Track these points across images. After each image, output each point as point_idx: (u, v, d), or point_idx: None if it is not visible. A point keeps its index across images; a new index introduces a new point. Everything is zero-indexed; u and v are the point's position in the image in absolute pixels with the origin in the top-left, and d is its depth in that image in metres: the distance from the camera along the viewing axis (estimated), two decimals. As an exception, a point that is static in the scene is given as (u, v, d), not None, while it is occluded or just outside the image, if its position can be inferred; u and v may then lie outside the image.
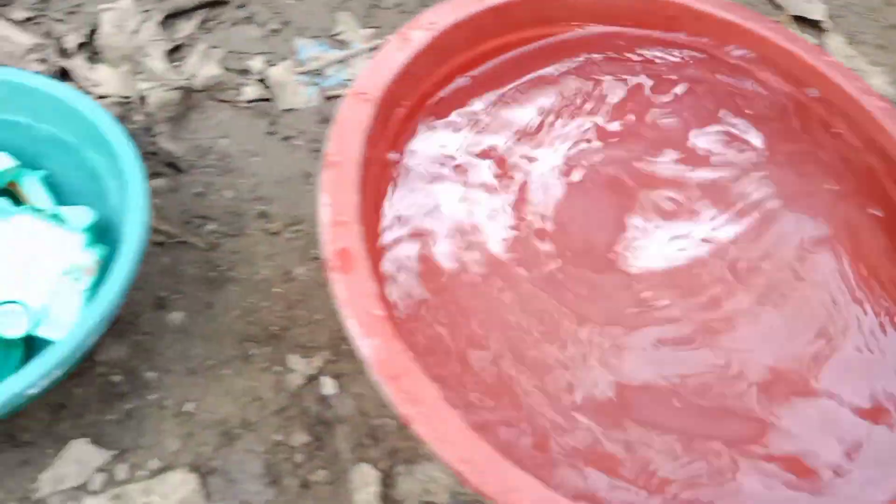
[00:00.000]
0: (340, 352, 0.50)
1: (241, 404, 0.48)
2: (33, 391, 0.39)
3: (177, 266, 0.54)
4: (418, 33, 0.49)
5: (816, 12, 0.78)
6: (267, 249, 0.55)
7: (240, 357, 0.50)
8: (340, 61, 0.66)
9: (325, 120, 0.62)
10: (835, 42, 0.77)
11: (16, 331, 0.44)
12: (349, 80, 0.64)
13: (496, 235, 0.46)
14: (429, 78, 0.50)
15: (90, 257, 0.47)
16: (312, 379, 0.49)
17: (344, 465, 0.46)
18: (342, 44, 0.68)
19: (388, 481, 0.46)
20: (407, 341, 0.40)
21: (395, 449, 0.47)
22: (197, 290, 0.53)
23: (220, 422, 0.47)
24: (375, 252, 0.44)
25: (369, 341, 0.36)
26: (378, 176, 0.46)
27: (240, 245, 0.55)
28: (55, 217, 0.49)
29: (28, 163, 0.53)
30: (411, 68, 0.48)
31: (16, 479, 0.44)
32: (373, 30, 0.69)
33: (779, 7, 0.79)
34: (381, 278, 0.42)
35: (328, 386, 0.49)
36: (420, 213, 0.46)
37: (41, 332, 0.45)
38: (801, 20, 0.78)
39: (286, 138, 0.61)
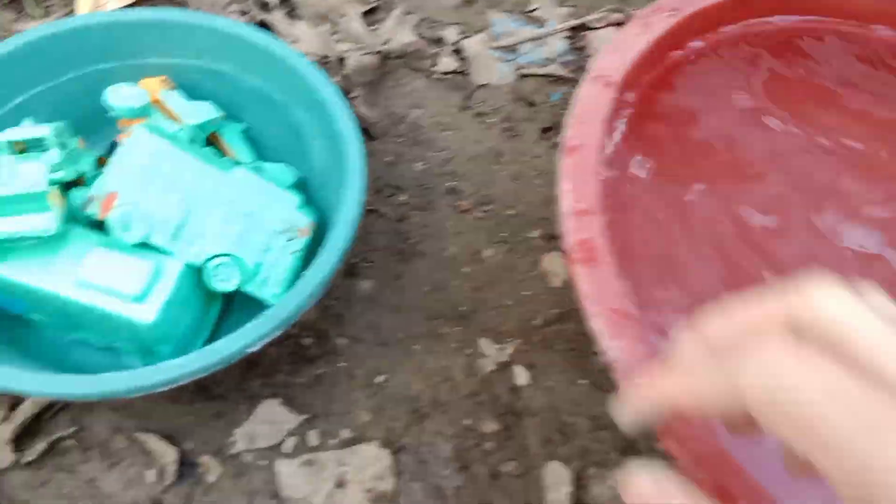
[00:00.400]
0: (532, 341, 0.48)
1: (433, 383, 0.47)
2: (253, 349, 0.39)
3: (367, 234, 0.53)
4: (660, 17, 0.46)
5: None
6: (455, 226, 0.54)
7: (430, 334, 0.49)
8: (535, 39, 0.64)
9: (520, 98, 0.60)
10: None
11: (228, 284, 0.44)
12: (547, 59, 0.62)
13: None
14: (661, 64, 0.48)
15: (306, 218, 0.46)
16: (504, 366, 0.47)
17: (533, 459, 0.44)
18: (537, 21, 0.65)
19: (580, 482, 0.44)
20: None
21: (586, 449, 0.45)
22: (387, 260, 0.52)
23: (411, 398, 0.46)
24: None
25: (615, 343, 0.34)
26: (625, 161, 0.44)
27: (429, 219, 0.54)
28: (266, 173, 0.49)
29: (231, 115, 0.53)
30: (650, 54, 0.45)
31: (210, 430, 0.45)
32: (569, 8, 0.66)
33: None
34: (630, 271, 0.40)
35: (521, 376, 0.47)
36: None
37: (250, 289, 0.44)
38: None
39: (479, 114, 0.59)
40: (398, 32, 0.62)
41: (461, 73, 0.61)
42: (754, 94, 0.49)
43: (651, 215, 0.44)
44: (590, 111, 0.42)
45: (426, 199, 0.55)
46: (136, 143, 0.44)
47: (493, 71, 0.61)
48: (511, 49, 0.63)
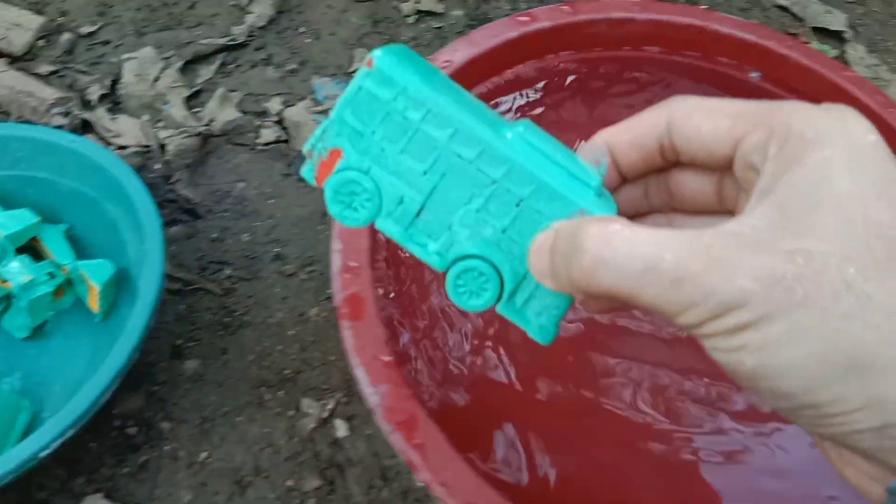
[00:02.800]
0: (352, 392, 0.49)
1: (255, 451, 0.47)
2: (46, 453, 0.39)
3: (192, 313, 0.53)
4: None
5: (837, 23, 0.76)
6: (282, 292, 0.55)
7: (253, 403, 0.49)
8: (357, 100, 0.66)
9: (342, 159, 0.62)
10: (857, 52, 0.75)
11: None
12: (365, 118, 0.64)
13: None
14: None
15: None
16: (325, 422, 0.48)
17: (359, 513, 0.45)
18: (359, 83, 0.68)
19: (404, 529, 0.44)
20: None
21: (407, 489, 0.46)
22: (212, 336, 0.52)
23: (234, 470, 0.46)
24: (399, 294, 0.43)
25: (376, 389, 0.35)
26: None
27: (255, 288, 0.55)
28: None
29: (50, 217, 0.54)
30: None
31: (30, 534, 0.44)
32: (389, 68, 0.68)
33: (799, 19, 0.77)
34: (394, 323, 0.41)
35: (341, 428, 0.48)
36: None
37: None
38: (822, 31, 0.76)
39: (302, 179, 0.61)
40: (221, 111, 0.64)
41: (283, 141, 0.63)
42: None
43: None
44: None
45: (252, 269, 0.56)
46: None
47: (315, 136, 0.63)
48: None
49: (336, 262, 0.39)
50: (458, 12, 0.74)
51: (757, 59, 0.53)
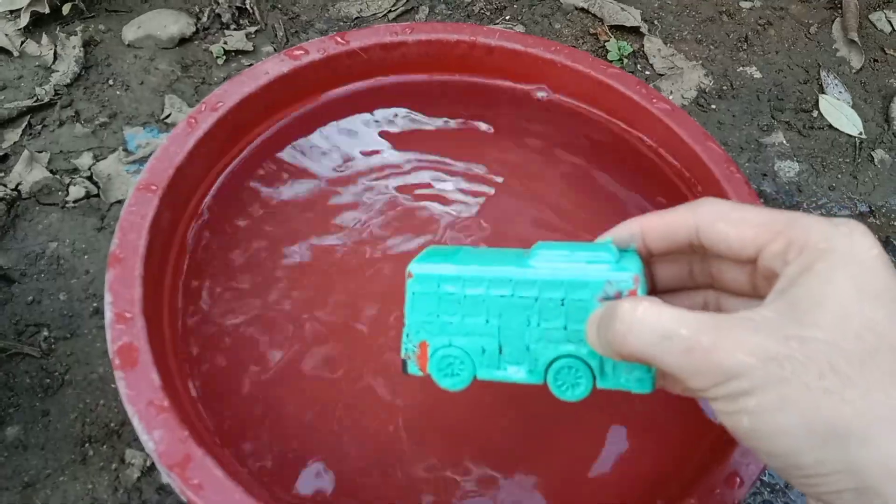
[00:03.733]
0: (180, 437, 0.51)
1: (79, 509, 0.48)
2: None
3: (11, 379, 0.53)
4: (205, 115, 0.50)
5: (632, 19, 0.82)
6: (103, 346, 0.55)
7: (76, 461, 0.50)
8: (169, 145, 0.67)
9: (156, 206, 0.63)
10: (654, 44, 0.81)
11: None
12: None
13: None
14: (221, 159, 0.51)
15: None
16: (151, 469, 0.49)
17: (188, 551, 0.46)
18: (172, 126, 0.69)
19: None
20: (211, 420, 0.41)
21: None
22: (32, 399, 0.53)
23: (59, 531, 0.47)
24: (176, 338, 0.44)
25: (150, 434, 0.37)
26: (176, 264, 0.47)
27: (76, 346, 0.55)
28: None
29: None
30: (201, 152, 0.49)
31: None
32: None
33: (598, 19, 0.83)
34: (180, 361, 0.43)
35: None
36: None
37: None
38: (621, 28, 0.82)
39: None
40: (29, 173, 0.64)
41: (95, 196, 0.64)
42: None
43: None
44: (135, 221, 0.45)
45: (71, 327, 0.56)
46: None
47: (128, 185, 0.64)
48: (145, 160, 0.66)
49: (108, 314, 0.40)
50: (268, 48, 0.76)
51: (529, 67, 0.57)
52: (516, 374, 0.32)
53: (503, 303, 0.32)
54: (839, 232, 0.25)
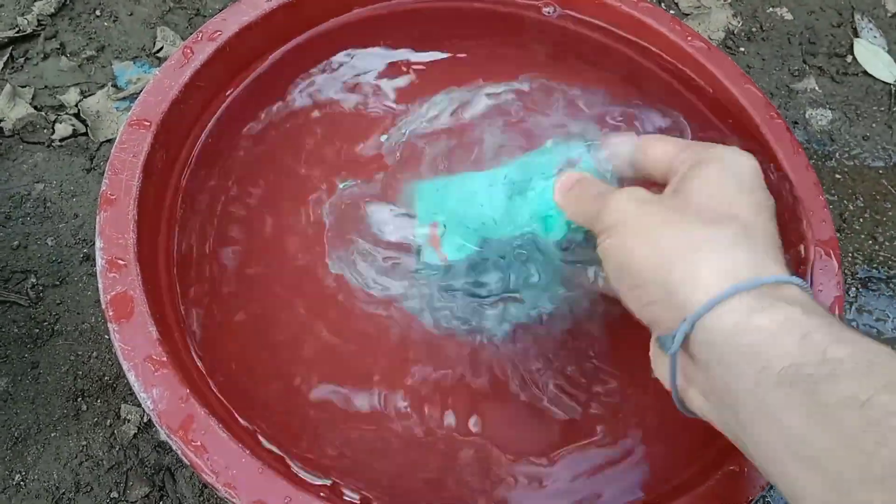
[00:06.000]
0: (178, 391, 0.48)
1: (73, 466, 0.45)
2: None
3: (-3, 329, 0.50)
4: (202, 45, 0.46)
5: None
6: (95, 294, 0.52)
7: (69, 415, 0.47)
8: (162, 81, 0.62)
9: (149, 146, 0.59)
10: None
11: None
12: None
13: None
14: (220, 94, 0.47)
15: None
16: (149, 425, 0.46)
17: (189, 511, 0.44)
18: (164, 60, 0.64)
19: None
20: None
21: (244, 485, 0.45)
22: (21, 350, 0.49)
23: (52, 489, 0.44)
24: (173, 286, 0.41)
25: (149, 393, 0.34)
26: (171, 205, 0.43)
27: (65, 294, 0.52)
28: None
29: None
30: (197, 85, 0.45)
31: None
32: (195, 42, 0.65)
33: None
34: (175, 313, 0.40)
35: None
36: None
37: None
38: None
39: (107, 172, 0.57)
40: (12, 109, 0.60)
41: (82, 134, 0.59)
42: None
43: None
44: (127, 159, 0.41)
45: (60, 274, 0.53)
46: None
47: (118, 123, 0.60)
48: (137, 96, 0.62)
49: (100, 261, 0.37)
50: (265, -25, 0.71)
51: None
52: (510, 230, 0.38)
53: (490, 190, 0.39)
54: (727, 151, 0.32)
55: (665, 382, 0.30)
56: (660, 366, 0.30)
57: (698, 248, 0.28)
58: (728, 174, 0.30)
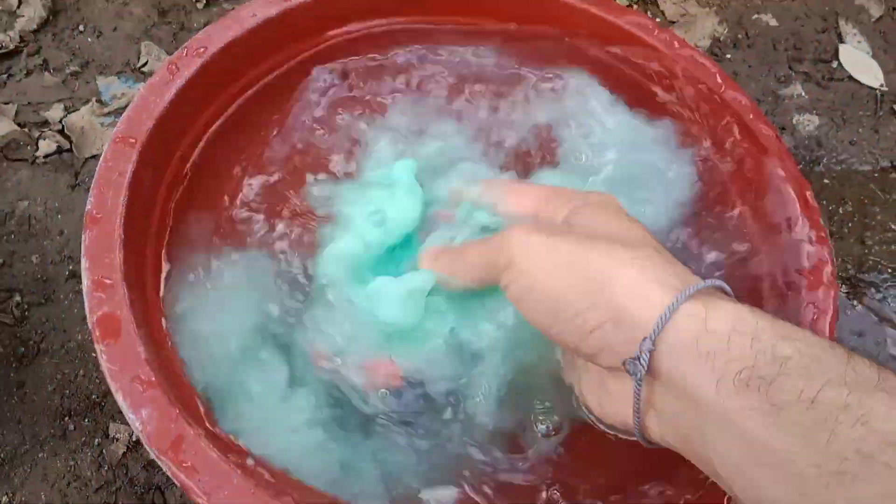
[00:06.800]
0: (167, 410, 0.47)
1: (60, 487, 0.45)
2: None
3: (-18, 348, 0.50)
4: (188, 61, 0.45)
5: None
6: (81, 311, 0.51)
7: (56, 435, 0.46)
8: (147, 95, 0.62)
9: (135, 161, 0.58)
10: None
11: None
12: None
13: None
14: (208, 109, 0.47)
15: None
16: (137, 444, 0.46)
17: (180, 531, 0.43)
18: (149, 75, 0.64)
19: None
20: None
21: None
22: (6, 370, 0.49)
23: (39, 512, 0.44)
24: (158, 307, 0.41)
25: (137, 415, 0.33)
26: (160, 224, 0.43)
27: (51, 312, 0.52)
28: None
29: None
30: (184, 101, 0.45)
31: None
32: (180, 56, 0.65)
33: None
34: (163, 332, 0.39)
35: (154, 450, 0.46)
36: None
37: None
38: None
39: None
40: (-5, 126, 0.59)
41: (67, 150, 0.59)
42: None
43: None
44: (113, 177, 0.40)
45: (46, 292, 0.52)
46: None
47: (103, 139, 0.60)
48: (122, 111, 0.61)
49: (86, 280, 0.37)
50: (250, -12, 0.71)
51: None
52: None
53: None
54: (592, 193, 0.34)
55: (618, 416, 0.29)
56: (611, 401, 0.29)
57: (629, 266, 0.27)
58: (608, 209, 0.32)
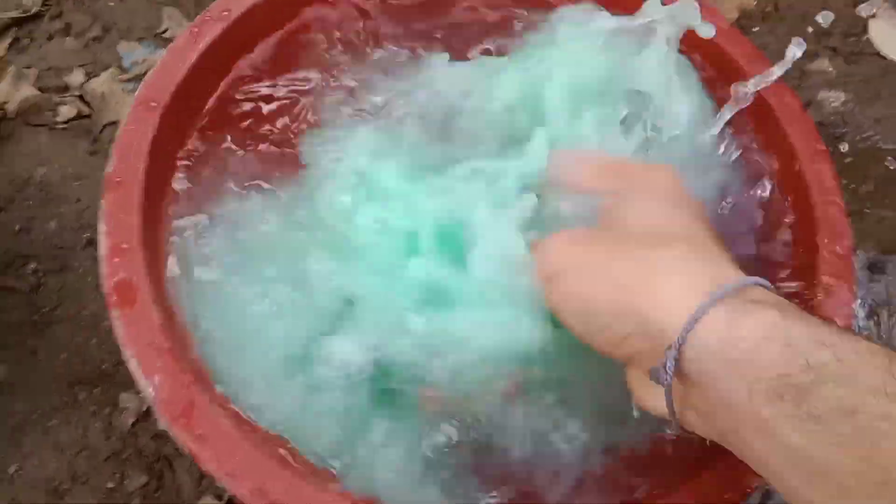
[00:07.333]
0: (180, 381, 0.46)
1: (70, 456, 0.44)
2: None
3: (-4, 316, 0.49)
4: (211, 25, 0.44)
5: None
6: (95, 280, 0.51)
7: (67, 404, 0.46)
8: (168, 64, 0.61)
9: (154, 130, 0.57)
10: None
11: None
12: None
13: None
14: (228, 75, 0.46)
15: None
16: (147, 414, 0.45)
17: (189, 499, 0.43)
18: (170, 42, 0.63)
19: (235, 515, 0.42)
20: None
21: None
22: (20, 337, 0.48)
23: (48, 479, 0.43)
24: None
25: (150, 380, 0.33)
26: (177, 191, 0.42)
27: (66, 280, 0.51)
28: None
29: None
30: (206, 66, 0.43)
31: None
32: (203, 24, 0.64)
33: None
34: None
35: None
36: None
37: None
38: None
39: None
40: (17, 91, 0.58)
41: (86, 116, 0.58)
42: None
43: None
44: (134, 141, 0.40)
45: (62, 260, 0.52)
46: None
47: (123, 105, 0.59)
48: (142, 77, 0.60)
49: (103, 245, 0.36)
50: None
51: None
52: None
53: None
54: (644, 172, 0.33)
55: (658, 412, 0.29)
56: (650, 397, 0.29)
57: (656, 273, 0.27)
58: (653, 195, 0.31)
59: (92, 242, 0.53)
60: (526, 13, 0.47)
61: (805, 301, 0.38)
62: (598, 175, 0.33)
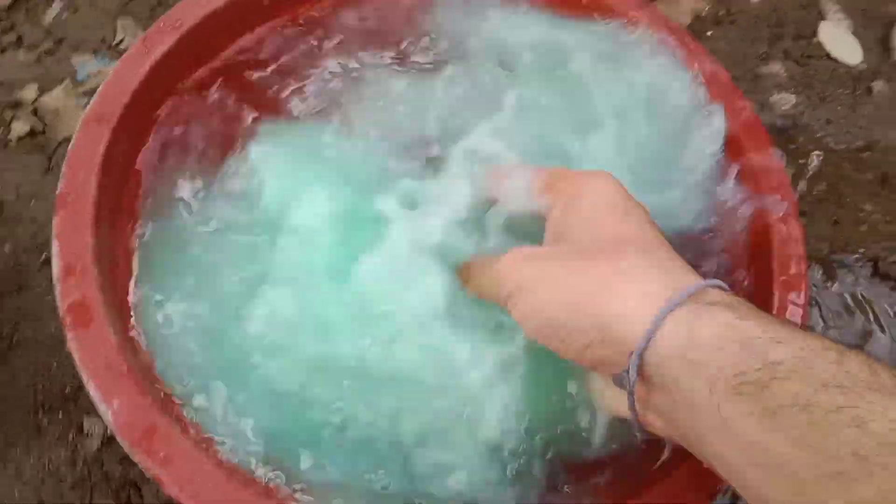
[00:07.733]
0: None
1: (35, 485, 0.43)
2: None
3: (-49, 339, 0.47)
4: (163, 35, 0.43)
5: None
6: (54, 301, 0.49)
7: (30, 430, 0.44)
8: (124, 75, 0.60)
9: (111, 143, 0.56)
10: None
11: None
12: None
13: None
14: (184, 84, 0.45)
15: None
16: (112, 439, 0.44)
17: (159, 525, 0.41)
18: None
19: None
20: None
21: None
22: (-23, 363, 0.47)
23: (12, 510, 0.42)
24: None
25: (108, 404, 0.32)
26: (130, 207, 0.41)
27: (24, 301, 0.49)
28: None
29: None
30: (158, 76, 0.42)
31: None
32: (158, 34, 0.62)
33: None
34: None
35: (129, 443, 0.44)
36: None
37: None
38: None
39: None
40: (-34, 107, 0.57)
41: (40, 132, 0.56)
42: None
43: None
44: (84, 157, 0.38)
45: (18, 280, 0.50)
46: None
47: (77, 120, 0.56)
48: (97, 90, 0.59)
49: (56, 266, 0.35)
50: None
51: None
52: None
53: None
54: (586, 179, 0.32)
55: (622, 415, 0.30)
56: (614, 401, 0.30)
57: (613, 283, 0.28)
58: (598, 204, 0.31)
59: (49, 262, 0.51)
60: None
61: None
62: (537, 185, 0.34)
